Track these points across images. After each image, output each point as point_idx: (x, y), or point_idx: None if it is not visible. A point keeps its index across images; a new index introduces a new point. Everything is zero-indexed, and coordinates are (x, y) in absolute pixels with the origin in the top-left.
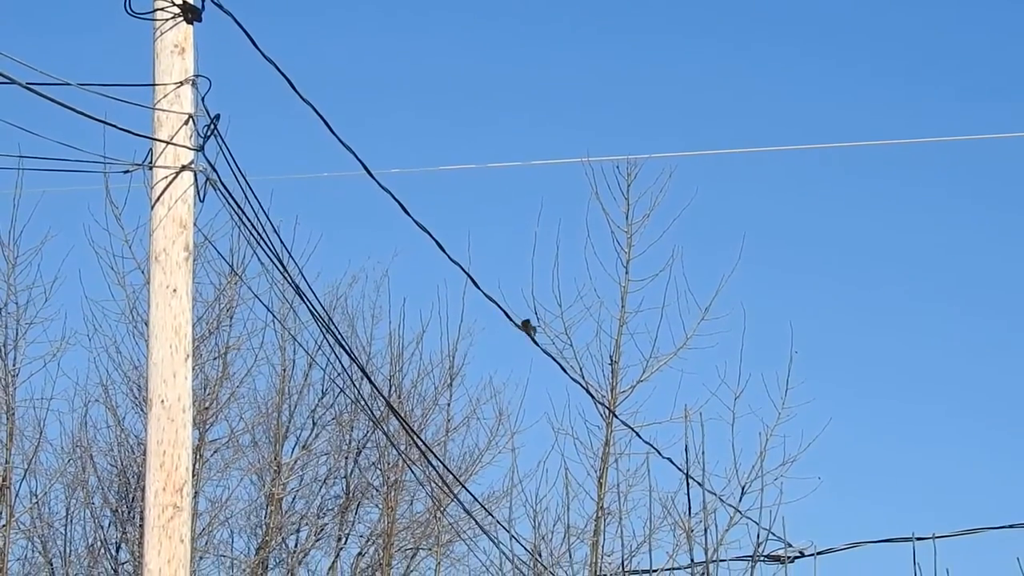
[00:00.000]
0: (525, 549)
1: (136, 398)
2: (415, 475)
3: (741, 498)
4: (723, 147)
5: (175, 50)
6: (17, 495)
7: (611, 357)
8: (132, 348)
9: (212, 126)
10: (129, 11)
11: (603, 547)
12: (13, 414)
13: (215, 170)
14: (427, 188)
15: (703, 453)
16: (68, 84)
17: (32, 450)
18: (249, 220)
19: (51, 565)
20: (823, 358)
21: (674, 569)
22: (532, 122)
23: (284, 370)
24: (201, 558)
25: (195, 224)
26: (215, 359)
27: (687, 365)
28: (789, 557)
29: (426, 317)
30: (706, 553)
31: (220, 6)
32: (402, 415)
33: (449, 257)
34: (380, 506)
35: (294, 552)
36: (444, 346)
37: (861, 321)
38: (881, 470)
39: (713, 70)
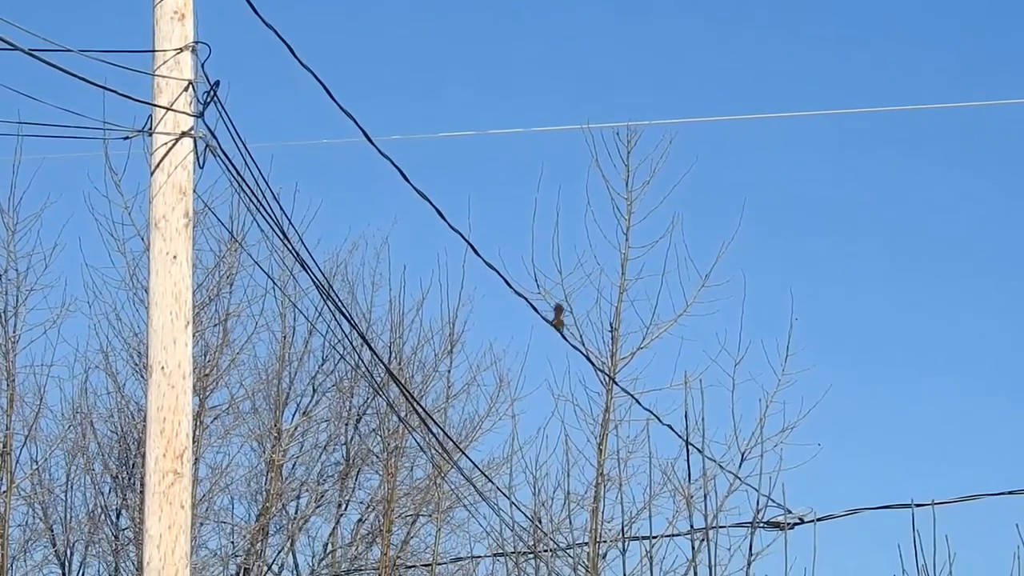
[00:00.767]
0: (525, 515)
1: (136, 365)
2: (416, 441)
3: (741, 465)
4: (724, 114)
5: (175, 16)
6: (18, 461)
7: (611, 324)
8: (132, 315)
9: (212, 93)
10: None
11: (603, 513)
12: (13, 380)
13: (215, 137)
14: (427, 155)
15: (703, 420)
16: (68, 50)
17: (32, 416)
18: (249, 187)
19: (52, 531)
20: (823, 325)
21: (674, 535)
22: (532, 89)
23: (284, 337)
24: (202, 524)
25: (195, 191)
26: (215, 326)
27: (687, 332)
28: (789, 523)
29: (426, 284)
30: (706, 519)
31: None
32: (402, 382)
33: (449, 224)
34: (380, 472)
35: (294, 518)
36: (444, 313)
37: (861, 288)
38: (881, 437)
39: (714, 36)
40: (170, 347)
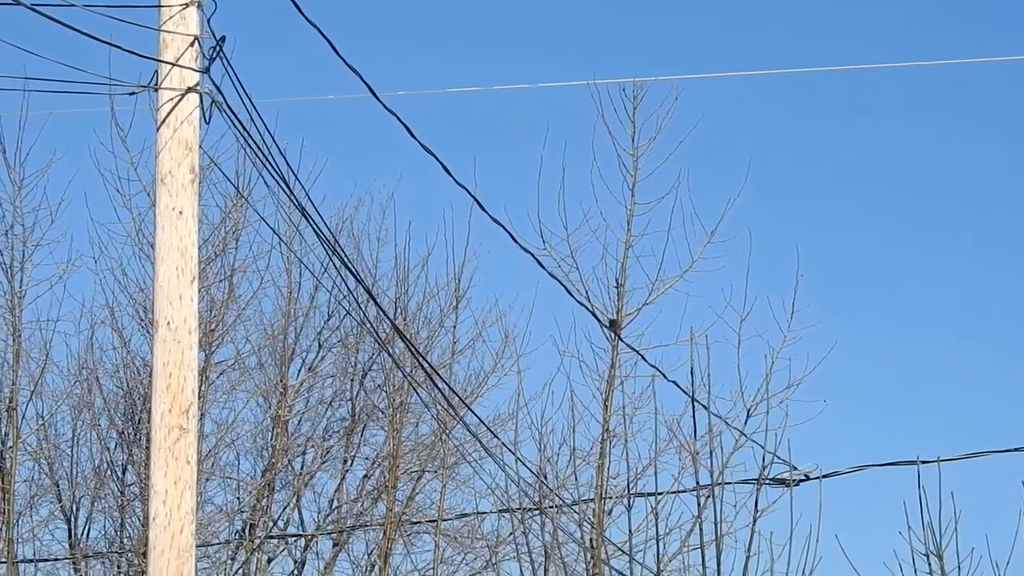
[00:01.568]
0: (531, 471)
1: (142, 320)
2: (421, 397)
3: (747, 421)
4: (729, 70)
5: None
6: (23, 417)
7: (617, 280)
8: (138, 270)
9: (218, 48)
10: None
11: (608, 470)
12: (19, 336)
13: (221, 92)
14: (433, 112)
15: (709, 376)
16: (73, 5)
17: (38, 372)
18: (255, 142)
19: (57, 487)
20: (830, 281)
21: (679, 492)
22: (538, 45)
23: (290, 292)
24: (207, 480)
25: (201, 146)
26: (221, 281)
27: (693, 288)
28: (794, 480)
29: (432, 240)
30: (711, 476)
31: None
32: (408, 337)
33: (455, 180)
34: (386, 428)
35: (300, 474)
36: (450, 269)
37: (868, 244)
38: (887, 393)
39: None
40: (176, 302)
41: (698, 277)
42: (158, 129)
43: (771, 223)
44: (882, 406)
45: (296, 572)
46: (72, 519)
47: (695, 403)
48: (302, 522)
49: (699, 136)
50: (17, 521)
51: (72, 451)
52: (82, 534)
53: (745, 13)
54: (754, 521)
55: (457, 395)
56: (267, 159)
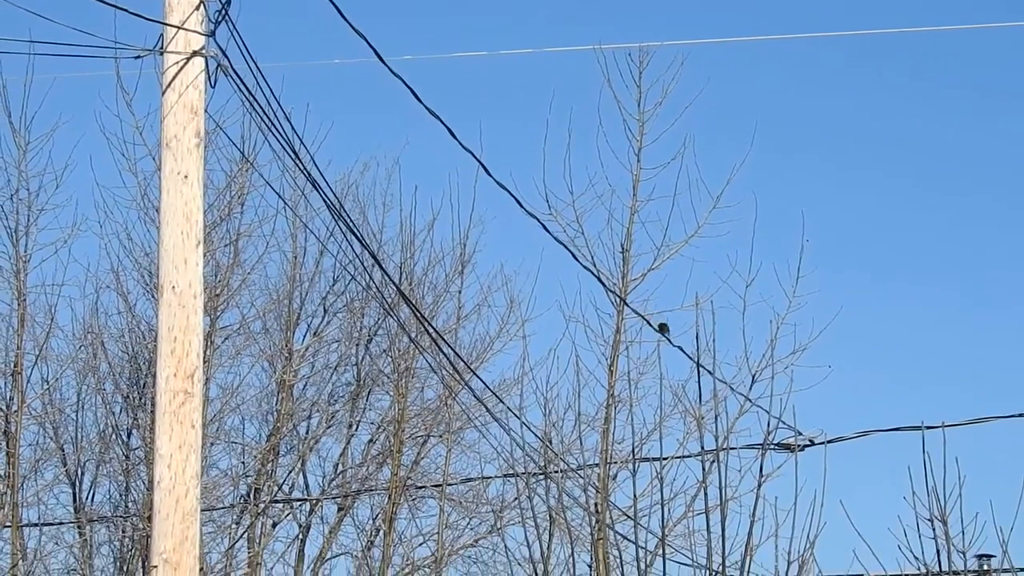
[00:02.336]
0: (536, 436)
1: (147, 284)
2: (427, 362)
3: (752, 386)
4: (735, 35)
5: None
6: (29, 381)
7: (622, 245)
8: (143, 234)
9: (223, 12)
10: None
11: (613, 435)
12: (25, 300)
13: (226, 56)
14: (439, 77)
15: (714, 341)
16: None
17: (44, 336)
18: (260, 107)
19: (63, 451)
20: (835, 246)
21: (684, 457)
22: (544, 9)
23: (295, 257)
24: (212, 444)
25: (206, 110)
26: (226, 246)
27: (698, 253)
28: (799, 445)
29: (437, 205)
30: (716, 441)
31: None
32: (413, 302)
33: (461, 144)
34: (391, 393)
35: (305, 439)
36: (455, 234)
37: (873, 208)
38: (891, 359)
39: None
40: (181, 267)
41: (703, 243)
42: (163, 93)
43: (777, 186)
44: (888, 372)
45: (301, 536)
46: (77, 483)
47: (700, 368)
48: (307, 486)
49: (705, 100)
50: (22, 485)
51: (77, 415)
52: (87, 498)
53: None
54: (759, 486)
55: (463, 360)
56: (273, 123)
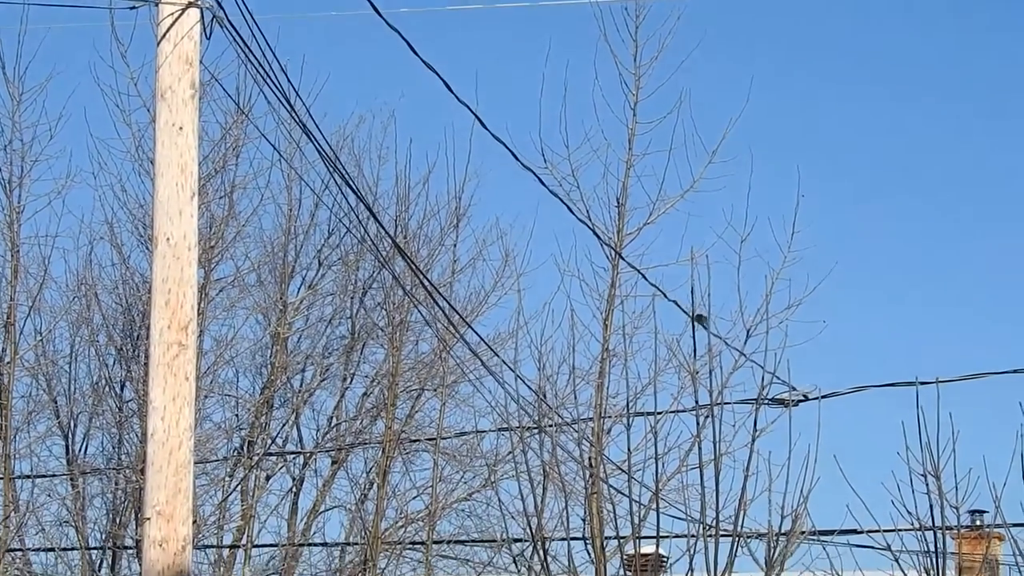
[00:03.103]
0: (531, 389)
1: (141, 236)
2: (421, 315)
3: (746, 341)
4: None
5: None
6: (21, 332)
7: (618, 199)
8: (138, 186)
9: None
10: None
11: (608, 389)
12: (18, 251)
13: (222, 7)
14: (435, 29)
15: (709, 296)
16: None
17: (37, 287)
18: (256, 58)
19: (55, 403)
20: (830, 201)
21: (679, 412)
22: None
23: (290, 209)
24: (206, 397)
25: (201, 62)
26: (221, 198)
27: (694, 208)
28: (793, 400)
29: (433, 158)
30: (710, 395)
31: None
32: (408, 255)
33: (456, 97)
34: (385, 346)
35: (299, 392)
36: (451, 187)
37: (867, 163)
38: (886, 314)
39: None
40: (175, 218)
41: (699, 197)
42: (158, 44)
43: (773, 140)
44: (882, 327)
45: (294, 490)
46: (70, 435)
47: (695, 323)
48: (301, 440)
49: (701, 54)
50: (14, 437)
51: (70, 367)
52: (80, 450)
53: None
54: (753, 441)
55: (458, 313)
56: (268, 75)
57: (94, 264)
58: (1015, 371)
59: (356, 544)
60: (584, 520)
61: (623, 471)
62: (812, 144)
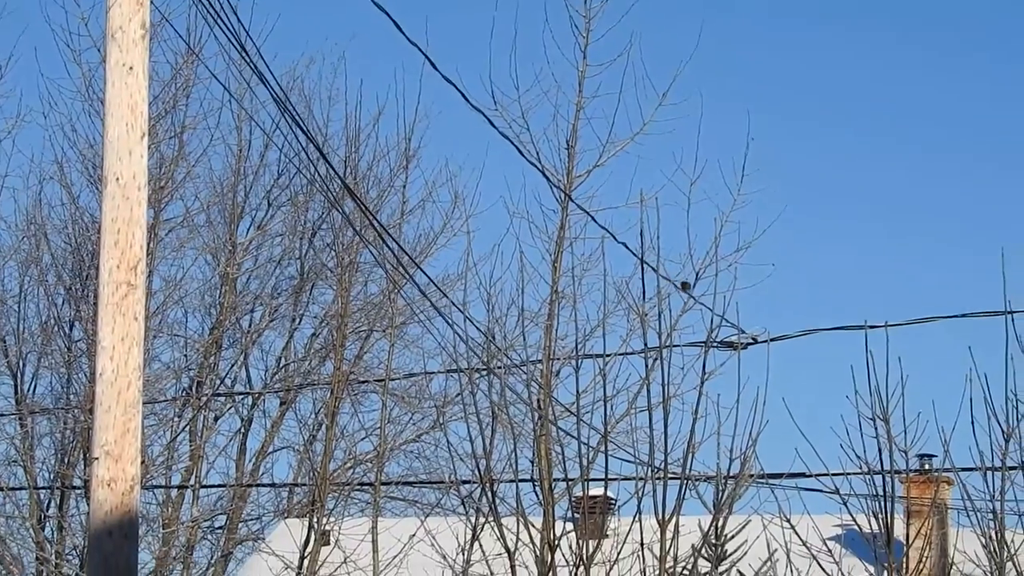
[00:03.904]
0: (479, 331)
1: (91, 176)
2: (372, 255)
3: (695, 284)
4: None
5: None
6: None
7: (568, 141)
8: (88, 126)
9: None
10: None
11: (556, 331)
12: None
13: None
14: None
15: (658, 238)
16: None
17: None
18: None
19: (4, 342)
20: (781, 145)
21: (627, 354)
22: None
23: (240, 150)
24: (155, 337)
25: (152, 2)
26: (171, 138)
27: (644, 151)
28: (742, 343)
29: (383, 99)
30: (659, 338)
31: None
32: (358, 196)
33: (407, 38)
34: (334, 287)
35: (248, 332)
36: (401, 128)
37: (817, 107)
38: (835, 260)
39: None
40: (125, 158)
41: (649, 140)
42: None
43: (723, 83)
44: (831, 272)
45: (243, 430)
46: (18, 375)
47: (644, 265)
48: (249, 380)
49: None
50: None
51: (19, 307)
52: (28, 390)
53: None
54: (701, 383)
55: (407, 254)
56: (218, 16)
57: (44, 204)
58: (963, 315)
59: (304, 485)
60: (533, 462)
61: (572, 413)
62: (763, 87)
